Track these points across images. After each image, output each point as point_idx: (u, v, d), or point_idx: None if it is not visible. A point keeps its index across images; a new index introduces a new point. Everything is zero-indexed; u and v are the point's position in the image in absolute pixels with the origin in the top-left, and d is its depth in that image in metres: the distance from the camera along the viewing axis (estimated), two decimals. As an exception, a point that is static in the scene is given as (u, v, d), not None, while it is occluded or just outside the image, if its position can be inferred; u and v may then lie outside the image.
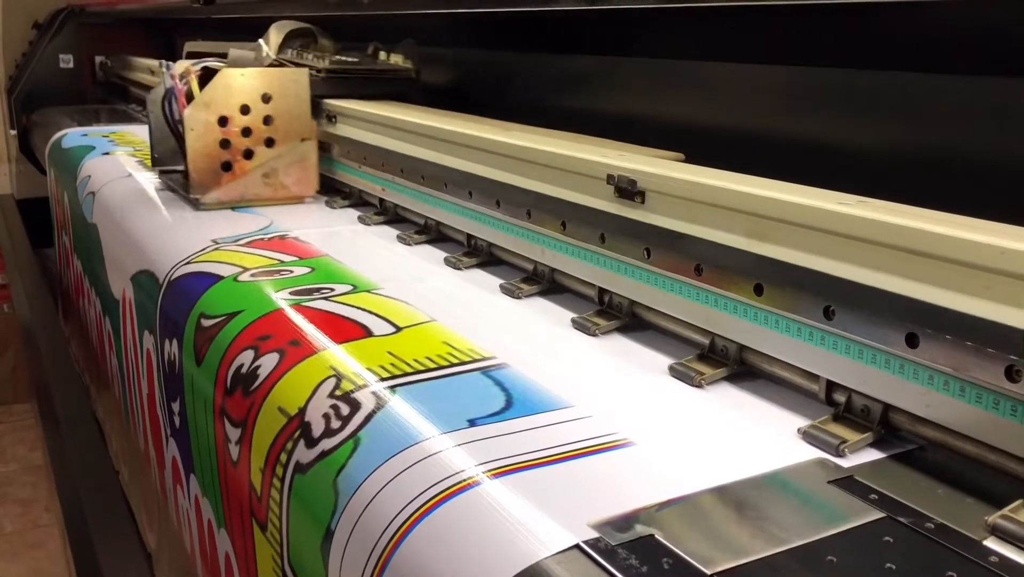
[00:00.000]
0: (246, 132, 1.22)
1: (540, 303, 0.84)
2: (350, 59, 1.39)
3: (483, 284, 0.90)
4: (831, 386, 0.59)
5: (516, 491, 0.50)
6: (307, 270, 0.92)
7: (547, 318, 0.79)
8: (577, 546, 0.45)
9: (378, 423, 0.59)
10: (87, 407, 1.64)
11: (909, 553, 0.45)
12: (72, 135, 1.93)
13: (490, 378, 0.65)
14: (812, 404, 0.60)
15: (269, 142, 1.24)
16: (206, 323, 0.84)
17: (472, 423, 0.57)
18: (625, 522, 0.46)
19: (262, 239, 1.05)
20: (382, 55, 1.45)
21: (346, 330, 0.74)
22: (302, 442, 0.63)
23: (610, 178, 0.74)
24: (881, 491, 0.50)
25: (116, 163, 1.58)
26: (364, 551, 0.52)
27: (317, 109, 1.30)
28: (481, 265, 0.95)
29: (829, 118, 0.89)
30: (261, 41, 1.45)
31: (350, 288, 0.85)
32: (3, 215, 2.86)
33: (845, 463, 0.53)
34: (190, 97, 1.23)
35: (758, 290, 0.62)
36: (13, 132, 2.96)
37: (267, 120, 1.23)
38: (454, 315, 0.78)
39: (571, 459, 0.53)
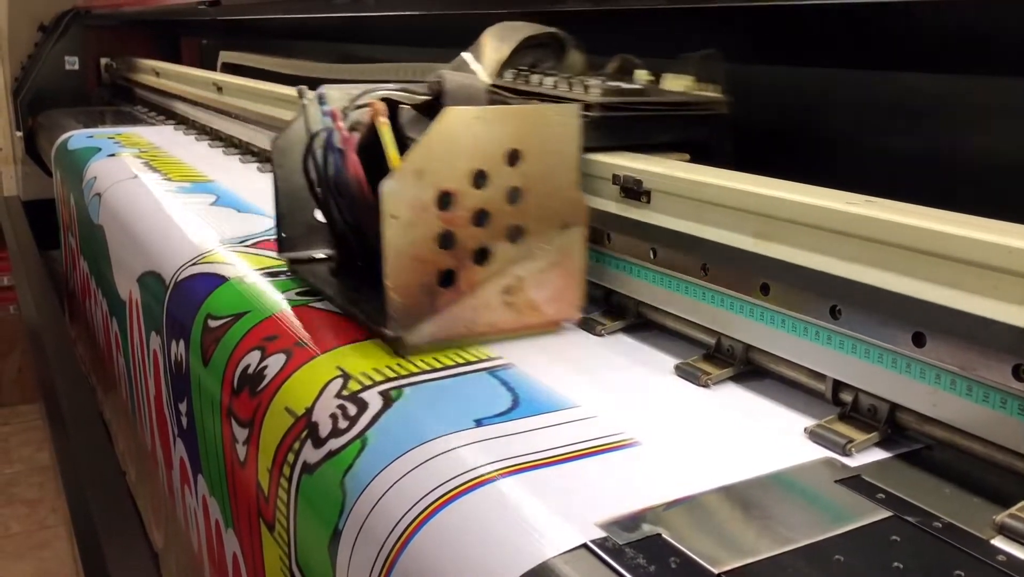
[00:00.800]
0: (480, 218, 0.69)
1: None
2: (626, 85, 0.81)
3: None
4: (838, 385, 0.59)
5: (523, 491, 0.50)
6: None
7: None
8: (584, 545, 0.45)
9: (385, 423, 0.60)
10: (93, 408, 1.64)
11: (916, 552, 0.44)
12: (78, 137, 1.93)
13: (496, 378, 0.65)
14: (819, 404, 0.60)
15: (514, 233, 0.71)
16: (213, 324, 0.85)
17: (479, 423, 0.57)
18: (632, 521, 0.47)
19: (268, 239, 1.05)
20: (640, 74, 0.85)
21: (353, 330, 0.74)
22: (309, 442, 0.63)
23: (615, 178, 0.74)
24: (888, 490, 0.50)
25: (122, 164, 1.58)
26: (372, 551, 0.53)
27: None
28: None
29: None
30: (466, 56, 0.87)
31: None
32: (9, 217, 2.87)
33: (852, 462, 0.53)
34: (370, 152, 0.74)
35: (764, 290, 0.62)
36: (19, 134, 2.97)
37: (513, 196, 0.70)
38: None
39: (578, 459, 0.53)
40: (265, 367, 0.73)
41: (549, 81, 0.81)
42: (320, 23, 2.11)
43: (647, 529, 0.46)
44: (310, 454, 0.62)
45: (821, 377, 0.60)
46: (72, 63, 3.00)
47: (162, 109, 2.41)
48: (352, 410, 0.62)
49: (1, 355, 3.21)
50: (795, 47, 0.91)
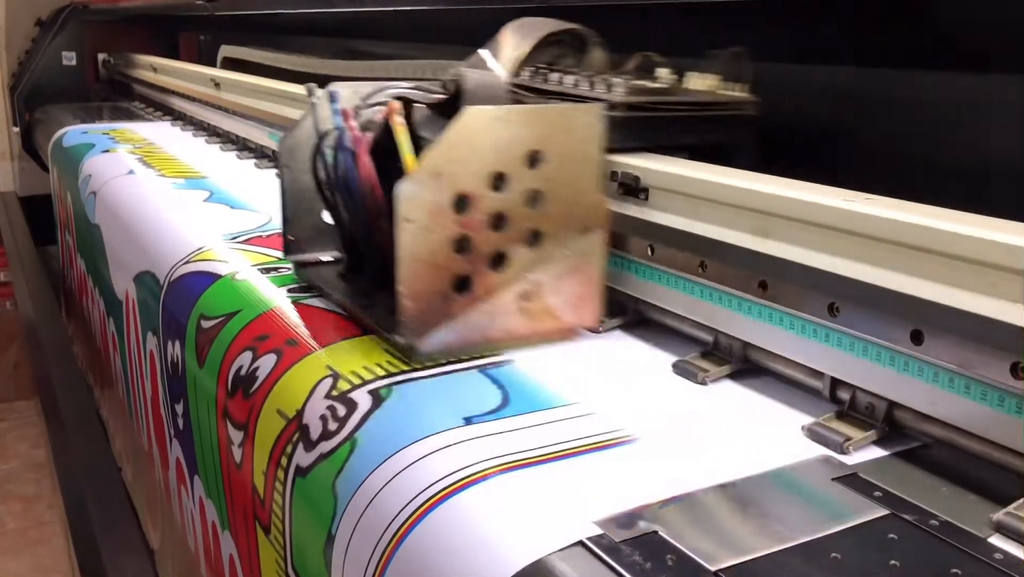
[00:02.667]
0: (498, 222, 0.67)
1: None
2: (651, 84, 0.79)
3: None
4: (835, 383, 0.58)
5: (517, 488, 0.50)
6: None
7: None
8: (581, 543, 0.45)
9: (374, 424, 0.59)
10: (90, 404, 1.64)
11: (913, 550, 0.44)
12: (72, 133, 1.93)
13: (487, 376, 0.64)
14: (816, 401, 0.60)
15: (532, 238, 0.68)
16: (206, 324, 0.84)
17: (468, 421, 0.57)
18: (629, 519, 0.46)
19: (260, 236, 1.04)
20: (663, 73, 0.83)
21: (343, 327, 0.73)
22: (301, 445, 0.63)
23: (614, 175, 0.74)
24: (885, 488, 0.50)
25: (116, 161, 1.57)
26: (365, 554, 0.52)
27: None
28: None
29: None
30: (484, 53, 0.84)
31: None
32: (6, 212, 2.86)
33: (849, 460, 0.53)
34: (380, 152, 0.73)
35: (763, 287, 0.62)
36: (16, 129, 2.97)
37: (533, 199, 0.67)
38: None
39: (574, 456, 0.53)
40: (257, 368, 0.72)
41: (570, 79, 0.78)
42: (319, 18, 2.11)
43: (644, 526, 0.46)
44: (302, 457, 0.62)
45: (819, 375, 0.60)
46: (70, 59, 2.99)
47: (160, 105, 2.41)
48: (341, 411, 0.61)
49: (-2, 351, 3.21)
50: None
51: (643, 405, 0.61)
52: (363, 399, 0.62)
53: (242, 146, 1.73)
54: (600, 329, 0.74)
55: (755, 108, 0.78)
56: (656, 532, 0.45)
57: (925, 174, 0.77)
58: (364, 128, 0.74)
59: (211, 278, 0.91)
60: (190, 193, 1.31)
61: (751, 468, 0.52)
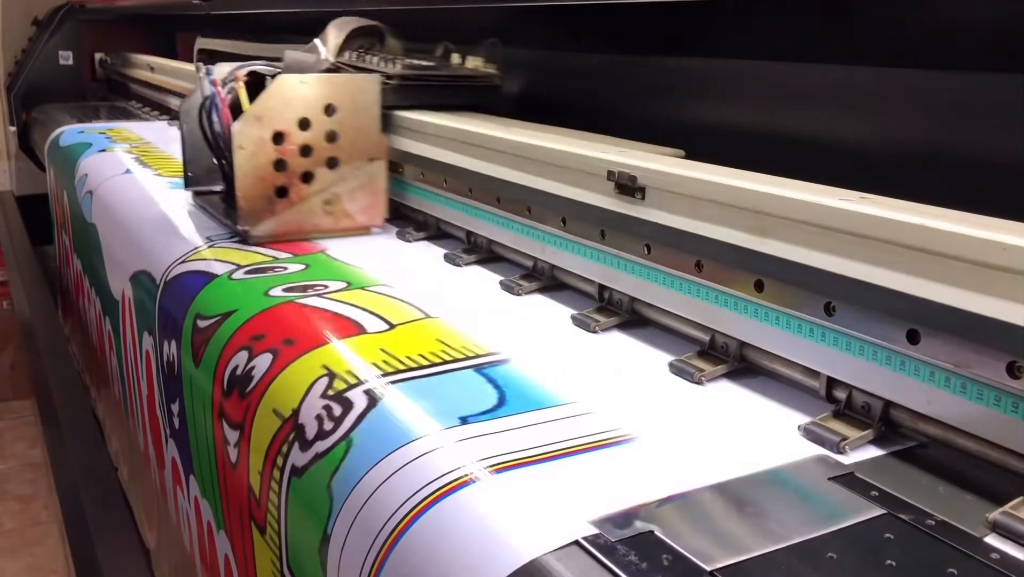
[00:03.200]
0: (305, 151, 1.02)
1: (540, 300, 0.83)
2: (425, 63, 1.17)
3: (483, 281, 0.90)
4: (832, 383, 0.58)
5: (512, 488, 0.50)
6: (301, 267, 0.92)
7: (547, 315, 0.79)
8: (576, 542, 0.44)
9: (369, 424, 0.59)
10: (86, 404, 1.64)
11: (910, 550, 0.44)
12: (69, 132, 1.92)
13: (483, 375, 0.64)
14: (813, 401, 0.60)
15: (332, 163, 1.03)
16: (202, 324, 0.84)
17: (464, 421, 0.57)
18: (625, 518, 0.46)
19: None
20: (455, 57, 1.21)
21: (339, 328, 0.73)
22: (297, 445, 0.63)
23: (611, 174, 0.74)
24: (882, 488, 0.50)
25: (112, 160, 1.57)
26: (360, 555, 0.52)
27: (386, 121, 1.10)
28: (481, 262, 0.95)
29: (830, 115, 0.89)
30: (317, 41, 1.24)
31: (344, 285, 0.85)
32: (3, 212, 2.86)
33: (846, 460, 0.53)
34: (236, 108, 1.03)
35: (759, 286, 0.62)
36: (13, 129, 2.96)
37: (331, 137, 1.03)
38: (453, 312, 0.78)
39: (570, 455, 0.53)
40: (252, 368, 0.72)
41: (374, 59, 1.16)
42: (315, 17, 2.10)
43: (640, 526, 0.46)
44: (298, 457, 0.62)
45: (815, 374, 0.60)
46: (66, 58, 2.99)
47: (157, 104, 2.40)
48: (337, 411, 0.61)
49: (-6, 351, 3.20)
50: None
51: (639, 404, 0.61)
52: (359, 398, 0.61)
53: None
54: (597, 330, 0.74)
55: (500, 80, 1.17)
56: (652, 532, 0.45)
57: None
58: (229, 92, 1.05)
59: (207, 277, 0.91)
60: (186, 192, 1.30)
61: (747, 467, 0.52)
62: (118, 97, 2.86)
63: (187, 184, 1.18)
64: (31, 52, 3.00)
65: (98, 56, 3.05)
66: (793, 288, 0.59)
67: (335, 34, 1.23)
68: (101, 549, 1.18)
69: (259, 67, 1.10)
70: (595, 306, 0.78)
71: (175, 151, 1.68)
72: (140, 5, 2.97)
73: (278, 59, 1.18)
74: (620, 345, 0.72)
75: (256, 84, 1.05)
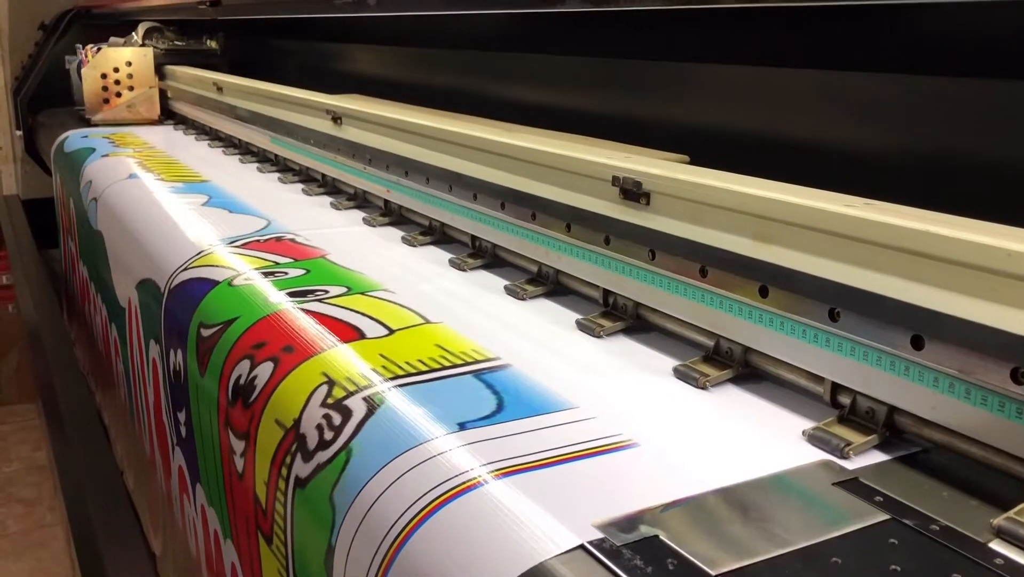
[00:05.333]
0: (117, 83, 2.24)
1: (544, 305, 0.84)
2: (180, 43, 2.50)
3: (487, 286, 0.90)
4: (836, 388, 0.58)
5: (516, 493, 0.50)
6: (302, 272, 0.92)
7: (551, 320, 0.79)
8: (582, 546, 0.45)
9: (368, 432, 0.59)
10: (91, 407, 1.64)
11: (914, 555, 0.44)
12: (73, 137, 1.93)
13: (481, 381, 0.64)
14: (817, 406, 0.60)
15: (131, 88, 2.25)
16: (205, 332, 0.84)
17: (463, 426, 0.57)
18: (630, 523, 0.46)
19: (258, 240, 1.04)
20: (210, 43, 2.55)
21: (339, 333, 0.73)
22: (299, 455, 0.63)
23: (615, 180, 0.74)
24: (886, 493, 0.50)
25: (117, 166, 1.58)
26: (364, 565, 0.52)
27: (160, 71, 2.31)
28: (486, 267, 0.95)
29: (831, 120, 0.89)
30: (133, 33, 2.48)
31: (345, 290, 0.85)
32: (9, 215, 2.87)
33: (850, 465, 0.53)
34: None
35: (763, 292, 0.62)
36: (19, 133, 2.97)
37: (129, 76, 2.25)
38: (458, 317, 0.78)
39: (575, 460, 0.53)
40: (255, 377, 0.72)
41: (162, 42, 2.45)
42: (320, 23, 2.11)
43: (645, 530, 0.46)
44: (301, 468, 0.62)
45: (819, 379, 0.60)
46: (72, 62, 2.99)
47: (162, 109, 2.41)
48: (337, 420, 0.61)
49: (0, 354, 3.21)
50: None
51: (644, 409, 0.62)
52: (358, 406, 0.61)
53: (244, 150, 1.74)
54: (602, 335, 0.74)
55: (218, 53, 2.56)
56: (657, 536, 0.45)
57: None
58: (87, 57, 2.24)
59: (210, 284, 0.91)
60: (190, 197, 1.31)
61: (752, 472, 0.52)
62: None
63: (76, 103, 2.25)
64: (38, 56, 3.01)
65: (104, 61, 3.06)
66: (798, 294, 0.59)
67: (140, 29, 2.49)
68: (106, 553, 1.18)
69: (104, 46, 2.30)
70: (600, 311, 0.78)
71: (178, 155, 1.69)
72: (145, 9, 2.98)
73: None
74: (625, 350, 0.72)
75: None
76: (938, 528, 0.47)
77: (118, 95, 2.20)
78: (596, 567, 0.43)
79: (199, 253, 1.00)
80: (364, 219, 1.20)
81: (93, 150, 1.73)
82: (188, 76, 2.16)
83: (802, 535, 0.46)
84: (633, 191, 0.72)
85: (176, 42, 2.46)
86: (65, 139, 1.95)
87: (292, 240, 1.05)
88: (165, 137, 2.03)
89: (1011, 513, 0.46)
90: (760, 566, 0.43)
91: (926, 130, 0.81)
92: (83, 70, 2.21)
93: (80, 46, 2.30)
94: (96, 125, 2.11)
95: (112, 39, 2.44)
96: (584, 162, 0.78)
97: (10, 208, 2.94)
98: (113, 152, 1.71)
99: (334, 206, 1.28)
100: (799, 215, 0.59)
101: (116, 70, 2.20)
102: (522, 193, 0.86)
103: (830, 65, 0.88)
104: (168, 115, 2.30)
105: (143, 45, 2.40)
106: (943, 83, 0.78)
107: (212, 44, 2.50)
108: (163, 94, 2.34)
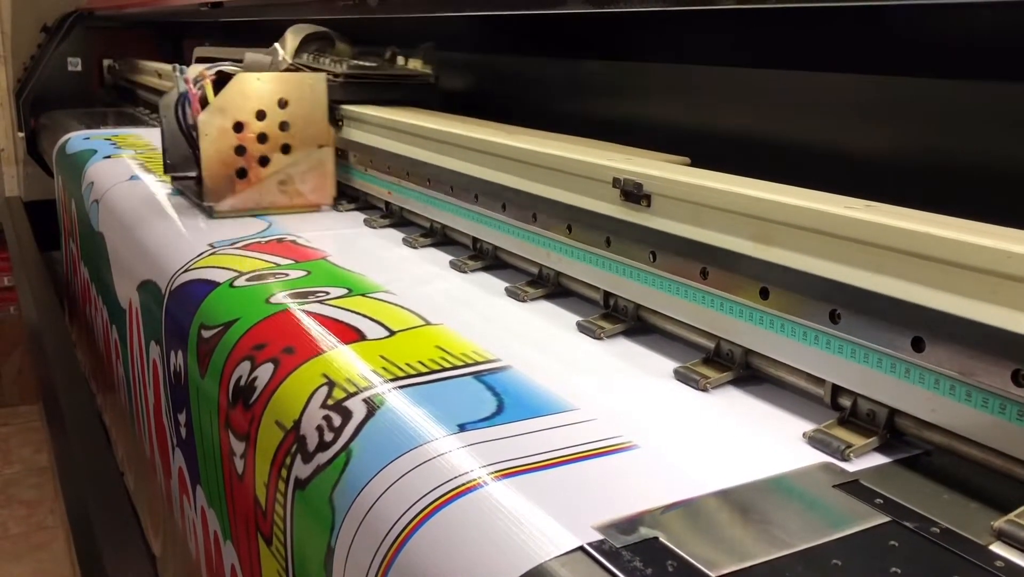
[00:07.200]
0: (262, 138, 1.20)
1: (545, 306, 0.84)
2: (368, 64, 1.37)
3: (488, 287, 0.90)
4: (837, 390, 0.58)
5: (516, 494, 0.50)
6: (303, 273, 0.92)
7: (552, 321, 0.79)
8: (581, 548, 0.45)
9: (368, 434, 0.59)
10: (93, 409, 1.64)
11: (914, 557, 0.44)
12: (75, 139, 1.93)
13: (482, 382, 0.64)
14: (818, 408, 0.60)
15: (285, 148, 1.21)
16: (206, 334, 0.84)
17: (462, 428, 0.57)
18: (629, 524, 0.46)
19: (259, 242, 1.04)
20: (400, 60, 1.41)
21: (339, 335, 0.73)
22: (299, 457, 0.63)
23: (616, 181, 0.74)
24: (887, 495, 0.50)
25: (118, 167, 1.58)
26: (364, 566, 0.52)
27: (334, 115, 1.29)
28: (486, 268, 0.95)
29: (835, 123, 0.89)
30: (277, 45, 1.43)
31: (345, 291, 0.85)
32: (11, 217, 2.87)
33: (850, 467, 0.53)
34: (204, 102, 1.19)
35: (764, 294, 0.62)
36: (21, 135, 2.98)
37: (283, 126, 1.21)
38: (458, 318, 0.78)
39: (575, 462, 0.53)
40: (255, 378, 0.72)
41: (326, 61, 1.37)
42: (322, 25, 2.11)
43: (644, 532, 0.46)
44: (301, 469, 0.62)
45: (820, 382, 0.60)
46: (75, 64, 3.00)
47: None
48: (337, 421, 0.61)
49: (1, 356, 3.21)
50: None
51: (644, 411, 0.62)
52: (358, 407, 0.61)
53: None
54: (602, 337, 0.74)
55: (434, 79, 1.38)
56: (657, 538, 0.45)
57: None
58: (199, 89, 1.21)
59: (210, 286, 0.91)
60: (192, 199, 1.31)
61: (752, 474, 0.52)
62: (126, 103, 2.87)
63: (166, 170, 1.32)
64: (40, 58, 3.02)
65: (106, 63, 3.06)
66: (798, 296, 0.59)
67: (292, 39, 1.44)
68: (107, 554, 1.18)
69: (225, 67, 1.25)
70: (600, 313, 0.78)
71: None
72: (148, 12, 2.99)
73: (236, 60, 1.36)
74: (625, 352, 0.72)
75: (224, 82, 1.19)
76: (938, 530, 0.46)
77: (263, 161, 1.20)
78: (596, 569, 0.43)
79: (200, 255, 1.00)
80: (365, 220, 1.20)
81: (95, 152, 1.74)
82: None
83: (802, 537, 0.46)
84: (634, 193, 0.72)
85: (359, 62, 1.37)
86: (67, 141, 1.95)
87: (293, 242, 1.05)
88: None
89: (1012, 516, 0.46)
90: (760, 568, 0.43)
91: (926, 132, 0.81)
92: (187, 111, 1.22)
93: (178, 67, 1.35)
94: (221, 216, 1.18)
95: (249, 56, 1.39)
96: (585, 164, 0.78)
97: (12, 210, 2.94)
98: (115, 154, 1.71)
99: (335, 208, 1.28)
100: (800, 217, 0.59)
101: (261, 115, 1.19)
102: (523, 194, 0.86)
103: (832, 68, 0.88)
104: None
105: (295, 66, 1.37)
106: (942, 84, 0.78)
107: (416, 65, 1.38)
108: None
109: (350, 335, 0.73)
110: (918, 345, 0.52)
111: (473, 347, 0.70)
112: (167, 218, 1.22)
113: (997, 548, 0.45)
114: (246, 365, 0.75)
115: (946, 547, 0.45)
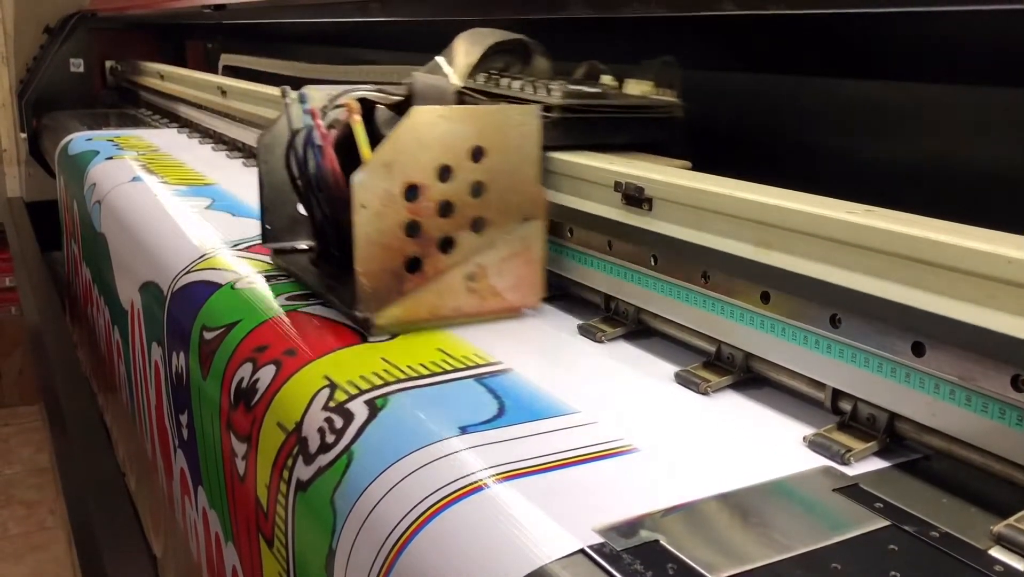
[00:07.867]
0: (445, 209, 0.73)
1: (546, 309, 0.84)
2: (590, 90, 0.85)
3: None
4: (837, 394, 0.59)
5: (517, 497, 0.50)
6: None
7: (553, 325, 0.79)
8: (582, 551, 0.45)
9: (370, 435, 0.59)
10: (93, 410, 1.64)
11: (914, 561, 0.44)
12: (78, 140, 1.93)
13: (483, 385, 0.64)
14: (818, 412, 0.60)
15: (477, 225, 0.75)
16: (208, 335, 0.84)
17: (464, 430, 0.57)
18: (630, 527, 0.47)
19: (260, 243, 1.04)
20: (605, 78, 0.90)
21: (341, 336, 0.73)
22: (301, 458, 0.63)
23: (617, 185, 0.74)
24: (886, 499, 0.50)
25: (120, 168, 1.57)
26: (364, 569, 0.52)
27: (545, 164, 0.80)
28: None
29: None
30: (439, 60, 0.92)
31: None
32: (12, 218, 2.87)
33: (850, 471, 0.53)
34: (342, 147, 0.79)
35: (765, 298, 0.62)
36: (23, 135, 2.98)
37: (476, 189, 0.74)
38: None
39: (576, 465, 0.53)
40: (257, 380, 0.72)
41: (516, 84, 0.85)
42: (325, 27, 2.12)
43: (645, 535, 0.46)
44: (302, 471, 0.62)
45: (820, 386, 0.60)
46: (77, 65, 3.00)
47: (166, 112, 2.42)
48: (338, 423, 0.61)
49: (2, 356, 3.21)
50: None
51: (645, 415, 0.62)
52: (359, 409, 0.62)
53: (248, 153, 1.74)
54: (603, 340, 0.74)
55: (682, 111, 0.85)
56: (657, 541, 0.45)
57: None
58: (330, 126, 0.81)
59: (212, 288, 0.91)
60: (193, 200, 1.31)
61: (752, 478, 0.52)
62: (128, 105, 2.87)
63: (265, 239, 0.93)
64: (42, 59, 3.02)
65: (109, 64, 3.06)
66: (799, 300, 0.59)
67: (466, 51, 0.91)
68: (108, 555, 1.18)
69: (369, 93, 0.86)
70: (601, 316, 0.79)
71: (184, 158, 1.69)
72: (150, 13, 2.99)
73: (380, 82, 0.94)
74: (626, 355, 0.72)
75: (364, 118, 0.78)
76: (938, 535, 0.47)
77: (445, 245, 0.74)
78: (596, 571, 0.43)
79: (202, 256, 1.00)
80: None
81: (97, 153, 1.74)
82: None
83: (802, 541, 0.46)
84: (635, 196, 0.72)
85: (574, 86, 0.84)
86: (69, 142, 1.95)
87: None
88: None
89: (1011, 520, 0.46)
90: (760, 571, 0.44)
91: (925, 137, 0.81)
92: (309, 158, 0.81)
93: (304, 96, 0.83)
94: (380, 332, 0.73)
95: (420, 78, 0.91)
96: (587, 167, 0.78)
97: (13, 210, 2.94)
98: (117, 155, 1.71)
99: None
100: (801, 221, 0.59)
101: (445, 173, 0.72)
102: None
103: (835, 73, 0.88)
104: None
105: (468, 92, 0.88)
106: (948, 91, 0.78)
107: (645, 89, 0.86)
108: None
109: (352, 337, 0.73)
110: (918, 350, 0.52)
111: (474, 350, 0.71)
112: (169, 219, 1.22)
113: (996, 552, 0.45)
114: (248, 367, 0.75)
115: (945, 551, 0.45)
